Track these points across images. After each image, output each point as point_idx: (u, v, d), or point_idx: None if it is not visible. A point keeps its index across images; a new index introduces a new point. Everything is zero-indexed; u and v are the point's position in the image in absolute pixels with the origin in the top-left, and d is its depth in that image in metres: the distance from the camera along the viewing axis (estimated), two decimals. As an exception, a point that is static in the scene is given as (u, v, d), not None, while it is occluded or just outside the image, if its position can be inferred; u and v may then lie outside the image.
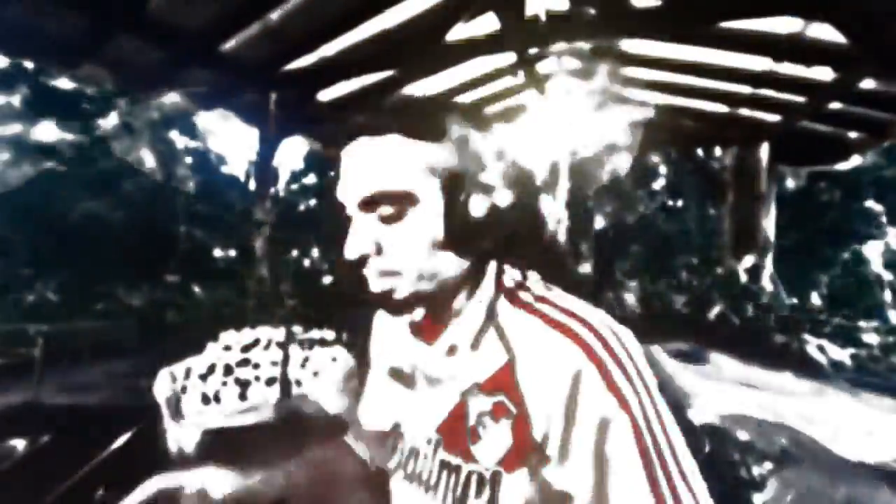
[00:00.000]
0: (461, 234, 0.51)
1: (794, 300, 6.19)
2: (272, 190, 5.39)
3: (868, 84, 4.46)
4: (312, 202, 12.95)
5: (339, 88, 5.28)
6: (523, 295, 0.53)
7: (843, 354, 5.02)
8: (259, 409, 2.22)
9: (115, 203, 8.61)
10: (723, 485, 2.25)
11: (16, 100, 8.01)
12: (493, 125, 0.54)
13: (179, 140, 10.37)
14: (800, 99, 5.20)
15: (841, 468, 2.62)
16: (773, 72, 4.76)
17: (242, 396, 2.25)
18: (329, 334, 2.85)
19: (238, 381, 2.28)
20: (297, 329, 2.74)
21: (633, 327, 0.51)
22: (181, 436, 2.03)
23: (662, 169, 12.36)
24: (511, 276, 0.55)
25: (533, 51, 5.12)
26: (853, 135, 5.69)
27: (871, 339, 5.27)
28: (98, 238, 8.10)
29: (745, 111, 5.95)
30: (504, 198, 0.52)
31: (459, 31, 4.26)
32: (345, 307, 4.52)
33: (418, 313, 0.59)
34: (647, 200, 12.43)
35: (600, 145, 7.48)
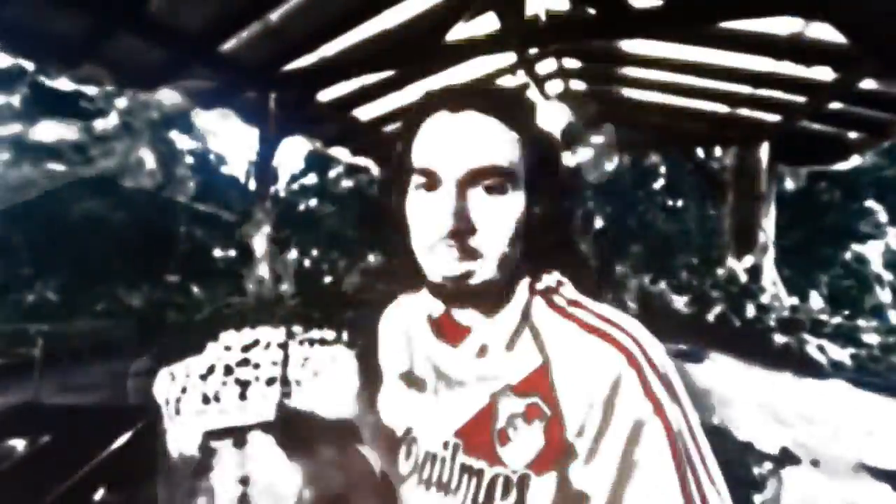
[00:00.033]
0: (537, 228, 0.52)
1: (795, 300, 6.17)
2: (272, 190, 5.38)
3: (868, 84, 4.46)
4: (312, 202, 12.96)
5: (339, 88, 5.29)
6: (557, 299, 0.54)
7: (843, 354, 5.01)
8: (259, 409, 2.22)
9: (115, 203, 8.61)
10: (723, 485, 2.25)
11: (16, 100, 8.01)
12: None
13: (179, 140, 10.37)
14: (800, 99, 5.20)
15: (841, 468, 2.62)
16: (773, 72, 4.77)
17: (242, 396, 2.25)
18: (329, 334, 2.85)
19: (238, 381, 2.28)
20: (297, 329, 2.74)
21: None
22: (181, 436, 2.03)
23: (662, 169, 12.37)
24: (545, 279, 0.56)
25: (533, 51, 5.12)
26: (853, 135, 5.69)
27: (871, 339, 5.26)
28: (98, 238, 8.11)
29: (745, 111, 5.95)
30: (561, 198, 0.54)
31: (459, 31, 4.26)
32: (345, 307, 4.52)
33: (438, 308, 0.59)
34: (646, 200, 12.43)
35: (600, 145, 7.48)
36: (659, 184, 12.52)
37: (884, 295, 8.88)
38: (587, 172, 7.54)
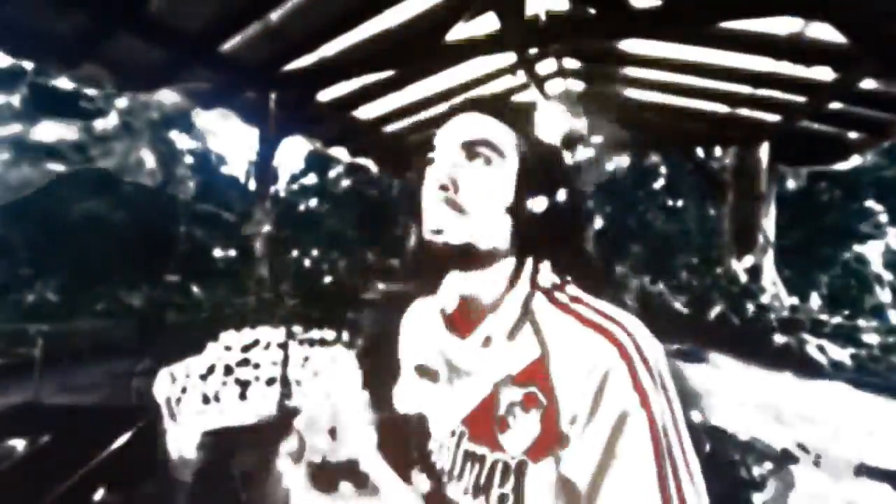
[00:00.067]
0: (532, 217, 0.57)
1: (795, 300, 6.17)
2: (272, 190, 5.38)
3: (868, 84, 4.46)
4: (312, 202, 12.97)
5: (339, 88, 5.28)
6: (559, 295, 0.57)
7: (843, 354, 5.01)
8: (259, 409, 2.22)
9: (115, 203, 8.61)
10: (723, 485, 2.25)
11: (16, 100, 8.01)
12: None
13: (179, 140, 10.37)
14: (800, 99, 5.20)
15: (841, 468, 2.62)
16: (773, 72, 4.77)
17: (242, 396, 2.25)
18: (329, 334, 2.85)
19: (238, 381, 2.28)
20: (297, 329, 2.74)
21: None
22: (181, 436, 2.03)
23: (662, 169, 12.36)
24: (547, 276, 0.59)
25: (533, 51, 5.12)
26: (853, 135, 5.69)
27: (871, 339, 5.26)
28: (98, 238, 8.11)
29: (745, 111, 5.95)
30: (560, 194, 0.58)
31: (459, 31, 4.26)
32: (345, 307, 4.52)
33: (452, 304, 0.62)
34: (646, 200, 12.43)
35: (599, 145, 7.48)
36: (659, 184, 12.51)
37: (884, 295, 8.87)
38: (587, 172, 7.54)
